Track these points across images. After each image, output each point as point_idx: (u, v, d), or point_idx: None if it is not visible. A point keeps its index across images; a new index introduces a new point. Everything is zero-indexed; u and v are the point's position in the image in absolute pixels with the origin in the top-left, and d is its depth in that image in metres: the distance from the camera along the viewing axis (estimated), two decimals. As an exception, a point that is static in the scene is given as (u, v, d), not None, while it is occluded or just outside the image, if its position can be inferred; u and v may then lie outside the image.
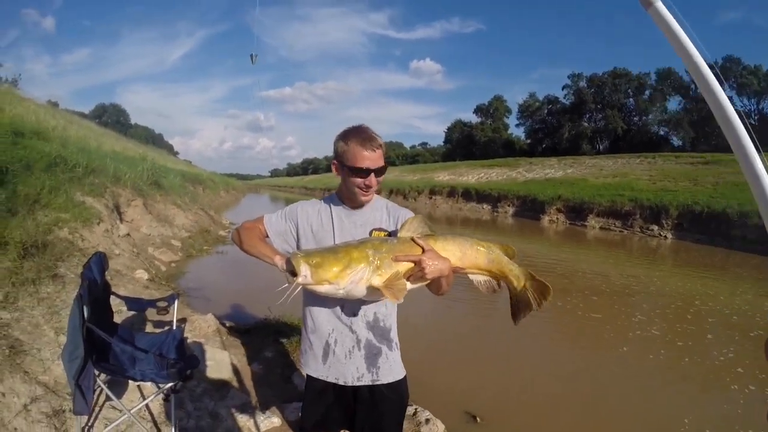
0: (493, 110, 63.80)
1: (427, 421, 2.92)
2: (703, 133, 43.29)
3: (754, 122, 41.61)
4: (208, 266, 7.48)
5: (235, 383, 3.12)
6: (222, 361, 3.16)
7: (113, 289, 2.64)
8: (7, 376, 2.19)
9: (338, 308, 1.54)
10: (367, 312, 1.56)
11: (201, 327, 3.77)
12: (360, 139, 1.45)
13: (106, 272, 2.50)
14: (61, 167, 6.27)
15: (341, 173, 1.52)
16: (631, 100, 49.19)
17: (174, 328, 2.66)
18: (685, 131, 43.68)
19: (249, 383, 3.22)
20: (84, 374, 1.84)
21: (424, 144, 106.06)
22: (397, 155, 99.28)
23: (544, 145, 53.54)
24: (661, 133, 47.56)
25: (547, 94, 56.92)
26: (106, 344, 2.08)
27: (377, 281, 1.30)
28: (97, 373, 1.98)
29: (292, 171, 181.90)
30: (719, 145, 38.53)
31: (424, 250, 1.34)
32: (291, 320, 4.24)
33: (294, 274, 1.26)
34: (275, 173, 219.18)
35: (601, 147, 48.72)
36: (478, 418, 3.27)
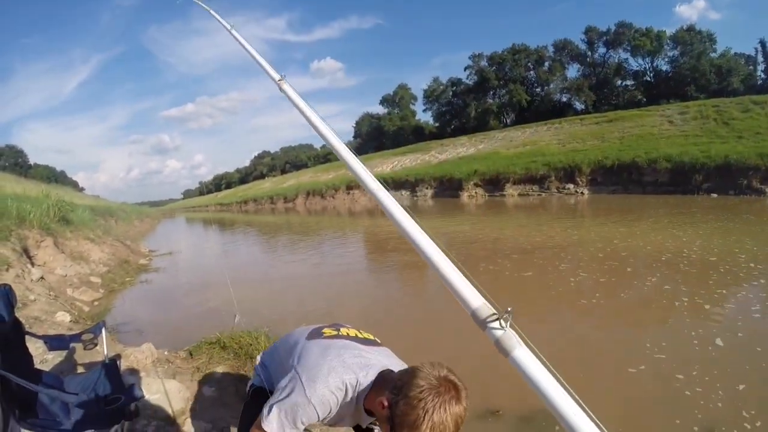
0: (398, 99, 65.01)
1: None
2: (603, 94, 47.46)
3: (649, 79, 46.14)
4: (135, 298, 7.01)
5: (187, 412, 2.93)
6: (170, 390, 2.94)
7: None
8: None
9: None
10: None
11: (138, 359, 3.45)
12: None
13: (16, 309, 2.14)
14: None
15: (387, 421, 1.13)
16: (532, 72, 52.17)
17: (106, 362, 2.34)
18: (587, 95, 47.29)
19: (203, 409, 3.04)
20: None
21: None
22: (309, 157, 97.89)
23: (453, 126, 55.27)
24: (564, 99, 51.16)
25: (451, 77, 59.01)
26: (31, 395, 1.79)
27: None
28: (22, 433, 1.61)
29: (205, 189, 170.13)
30: (619, 104, 42.42)
31: None
32: (233, 334, 4.06)
33: None
34: (187, 194, 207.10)
35: (508, 120, 51.42)
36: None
